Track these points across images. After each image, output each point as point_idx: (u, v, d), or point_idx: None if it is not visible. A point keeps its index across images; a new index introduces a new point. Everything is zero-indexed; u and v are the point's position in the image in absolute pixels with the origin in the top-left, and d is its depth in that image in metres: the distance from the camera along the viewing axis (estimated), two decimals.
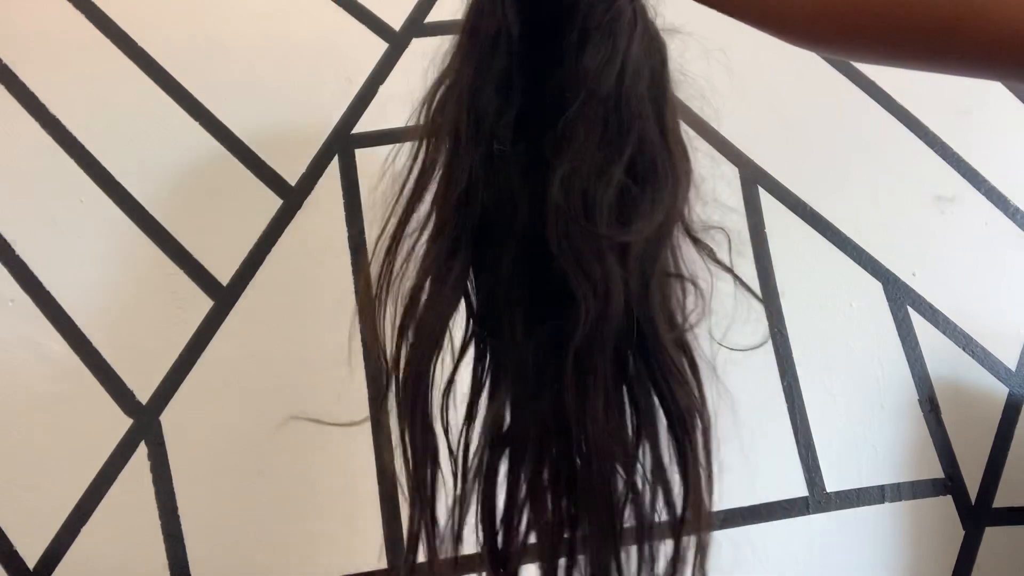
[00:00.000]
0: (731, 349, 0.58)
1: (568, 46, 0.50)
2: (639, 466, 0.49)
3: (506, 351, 0.51)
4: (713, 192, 0.71)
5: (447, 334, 0.50)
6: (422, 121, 0.53)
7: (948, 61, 0.33)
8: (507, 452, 0.50)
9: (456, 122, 0.49)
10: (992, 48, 0.30)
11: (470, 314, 0.52)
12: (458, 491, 0.51)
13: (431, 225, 0.50)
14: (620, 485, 0.49)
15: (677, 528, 0.50)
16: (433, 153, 0.52)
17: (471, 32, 0.50)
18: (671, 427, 0.49)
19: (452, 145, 0.50)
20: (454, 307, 0.50)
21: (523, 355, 0.50)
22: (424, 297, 0.49)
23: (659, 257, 0.50)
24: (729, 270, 0.54)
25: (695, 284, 0.52)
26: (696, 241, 0.53)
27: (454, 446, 0.52)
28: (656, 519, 0.50)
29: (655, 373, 0.49)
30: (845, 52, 0.36)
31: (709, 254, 0.53)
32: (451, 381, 0.51)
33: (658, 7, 0.53)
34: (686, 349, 0.51)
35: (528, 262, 0.50)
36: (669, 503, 0.49)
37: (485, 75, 0.50)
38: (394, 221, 0.52)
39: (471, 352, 0.53)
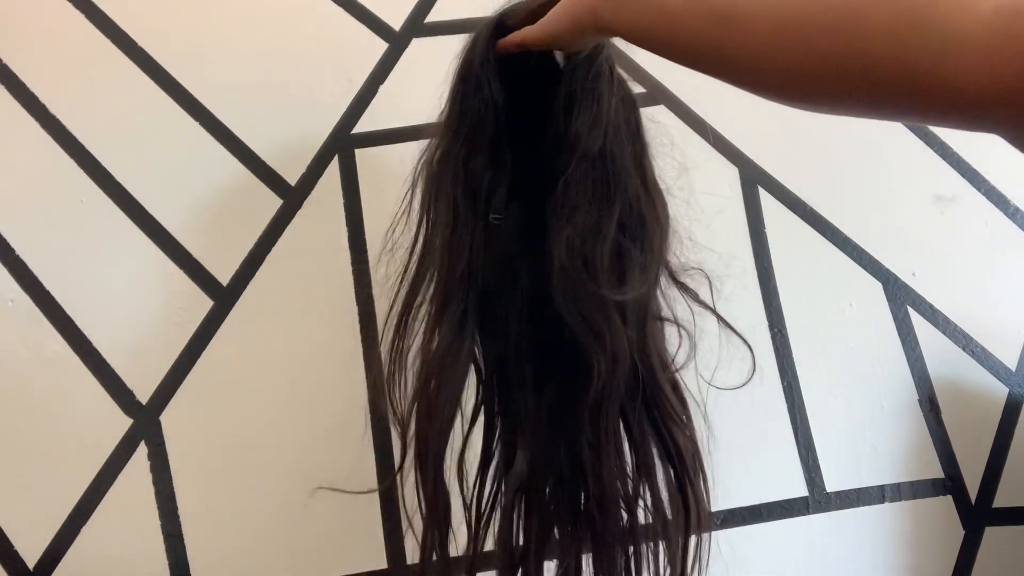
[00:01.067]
0: (719, 388, 0.61)
1: (556, 109, 0.52)
2: (641, 500, 0.53)
3: (519, 409, 0.53)
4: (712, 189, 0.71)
5: (459, 403, 0.52)
6: (419, 192, 0.55)
7: (914, 115, 0.35)
8: (525, 498, 0.53)
9: (453, 196, 0.51)
10: (949, 107, 0.31)
11: (479, 377, 0.55)
12: (472, 532, 0.54)
13: (436, 300, 0.52)
14: (624, 518, 0.52)
15: (684, 551, 0.53)
16: (433, 230, 0.54)
17: (461, 112, 0.52)
18: (671, 465, 0.53)
19: (452, 220, 0.51)
20: (465, 376, 0.52)
21: (537, 412, 0.53)
22: (438, 371, 0.51)
23: (650, 304, 0.52)
24: (713, 311, 0.56)
25: (681, 326, 0.55)
26: (679, 284, 0.55)
27: (467, 498, 0.55)
28: (655, 543, 0.53)
29: (655, 417, 0.52)
30: (814, 108, 0.38)
31: (694, 297, 0.56)
32: (465, 443, 0.54)
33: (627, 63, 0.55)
34: (677, 389, 0.54)
35: (533, 323, 0.53)
36: (668, 532, 0.53)
37: (476, 148, 0.52)
38: (401, 298, 0.55)
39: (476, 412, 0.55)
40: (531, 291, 0.53)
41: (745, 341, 0.59)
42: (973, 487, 0.77)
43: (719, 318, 0.57)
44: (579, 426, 0.50)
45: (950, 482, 0.76)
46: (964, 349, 0.79)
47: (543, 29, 0.49)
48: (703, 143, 0.81)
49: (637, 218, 0.52)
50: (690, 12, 0.39)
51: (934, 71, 0.30)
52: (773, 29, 0.35)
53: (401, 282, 0.55)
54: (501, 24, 0.53)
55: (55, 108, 0.76)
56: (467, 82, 0.52)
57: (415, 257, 0.55)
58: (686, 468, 0.52)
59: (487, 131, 0.52)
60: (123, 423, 0.71)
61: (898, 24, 0.31)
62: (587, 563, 0.53)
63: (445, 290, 0.52)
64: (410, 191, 0.57)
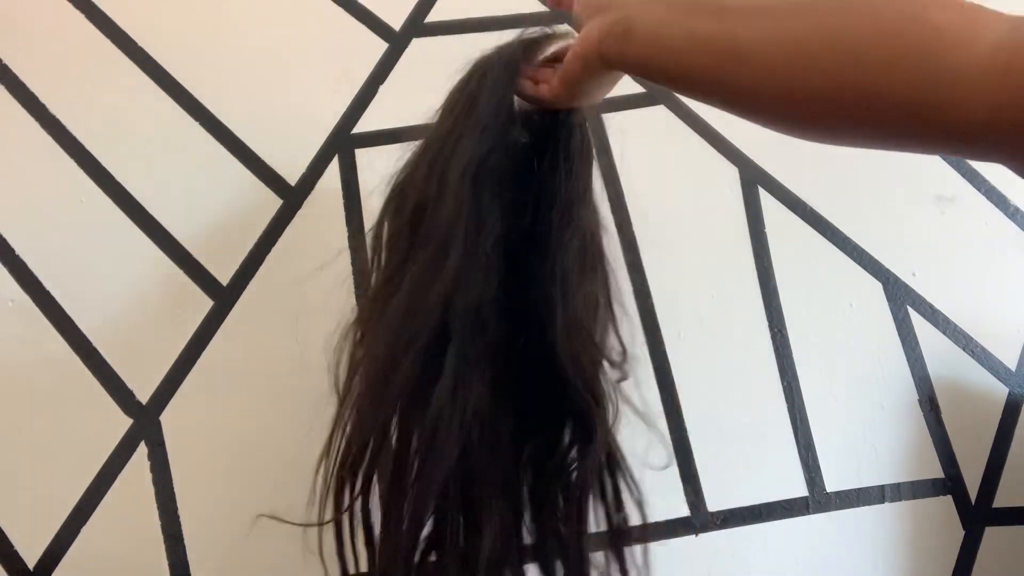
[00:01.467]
0: (651, 468, 0.62)
1: (557, 167, 0.51)
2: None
3: (488, 469, 0.50)
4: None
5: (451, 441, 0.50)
6: (402, 214, 0.54)
7: (917, 147, 0.35)
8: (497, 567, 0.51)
9: (452, 228, 0.49)
10: (952, 139, 0.32)
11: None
12: None
13: (410, 326, 0.49)
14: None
15: None
16: (415, 257, 0.51)
17: (484, 144, 0.49)
18: (613, 524, 0.53)
19: (461, 252, 0.49)
20: (457, 417, 0.49)
21: (511, 473, 0.51)
22: (435, 427, 0.49)
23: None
24: (628, 401, 0.57)
25: (611, 400, 0.56)
26: (612, 363, 0.56)
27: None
28: None
29: (604, 477, 0.53)
30: (817, 139, 0.38)
31: (620, 378, 0.57)
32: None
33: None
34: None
35: (504, 378, 0.51)
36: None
37: (484, 183, 0.49)
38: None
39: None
40: (504, 343, 0.50)
41: (653, 427, 0.61)
42: (973, 487, 0.77)
43: (633, 408, 0.57)
44: (569, 493, 0.50)
45: (950, 482, 0.76)
46: (964, 349, 0.79)
47: (562, 85, 0.48)
48: (703, 143, 0.81)
49: (604, 292, 0.54)
50: (692, 48, 0.39)
51: (936, 105, 0.31)
52: (774, 64, 0.36)
53: (373, 304, 0.53)
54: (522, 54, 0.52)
55: (55, 108, 0.76)
56: (498, 117, 0.50)
57: (393, 283, 0.52)
58: (629, 537, 0.53)
59: (497, 168, 0.50)
60: (123, 423, 0.71)
61: (899, 60, 0.32)
62: None
63: (425, 315, 0.48)
64: (389, 211, 0.56)
